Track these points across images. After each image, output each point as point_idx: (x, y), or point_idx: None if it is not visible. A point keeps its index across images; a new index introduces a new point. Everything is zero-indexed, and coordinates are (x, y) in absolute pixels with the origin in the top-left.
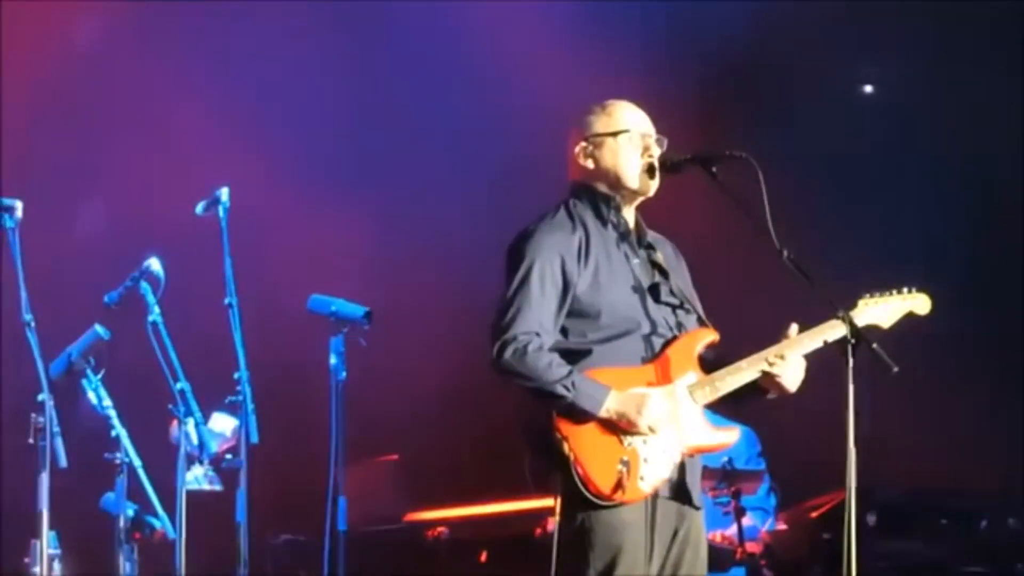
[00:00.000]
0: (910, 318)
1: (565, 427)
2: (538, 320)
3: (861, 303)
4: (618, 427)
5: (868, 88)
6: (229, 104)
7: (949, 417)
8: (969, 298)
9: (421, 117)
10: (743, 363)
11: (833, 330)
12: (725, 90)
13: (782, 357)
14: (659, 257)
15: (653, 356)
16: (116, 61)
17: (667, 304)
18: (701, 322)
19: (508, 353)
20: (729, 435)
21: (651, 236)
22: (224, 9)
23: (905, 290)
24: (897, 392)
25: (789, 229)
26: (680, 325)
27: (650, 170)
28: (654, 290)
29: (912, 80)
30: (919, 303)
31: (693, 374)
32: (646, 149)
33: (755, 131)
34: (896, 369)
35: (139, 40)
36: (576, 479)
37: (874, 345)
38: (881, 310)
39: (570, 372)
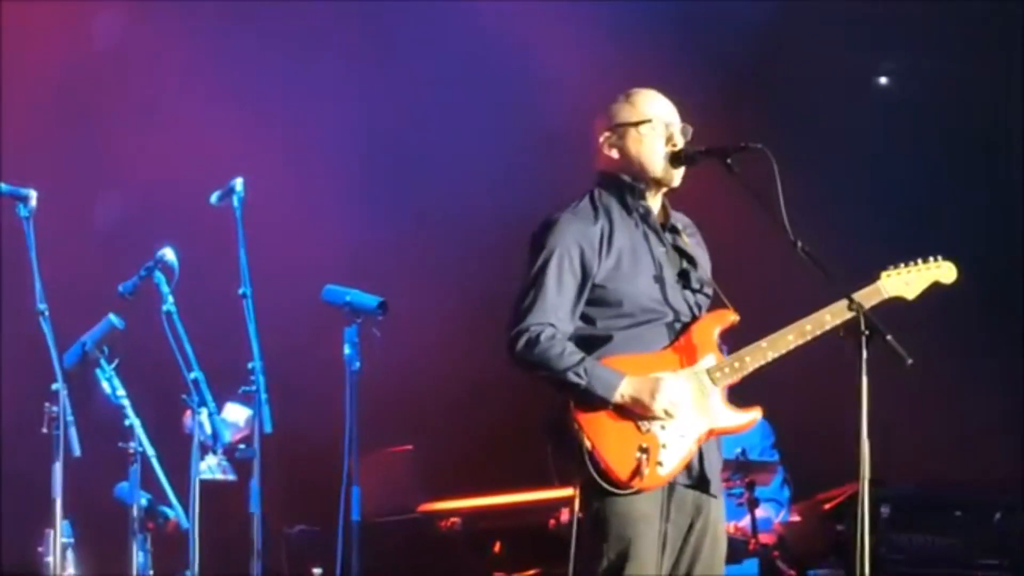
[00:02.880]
0: (937, 288)
1: (582, 416)
2: (552, 310)
3: (884, 275)
4: (634, 413)
5: (883, 80)
6: (244, 95)
7: (963, 409)
8: (985, 291)
9: (436, 110)
10: (763, 343)
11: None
12: (742, 83)
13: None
14: (684, 242)
15: (674, 341)
16: (132, 53)
17: (693, 290)
18: (722, 305)
19: (521, 344)
20: (751, 415)
21: (676, 218)
22: (240, 2)
23: (931, 259)
24: (911, 384)
25: (804, 221)
26: (701, 309)
27: (674, 159)
28: (684, 276)
29: (928, 73)
30: (944, 271)
31: (712, 356)
32: (670, 138)
33: (770, 123)
34: (911, 361)
35: (155, 33)
36: (594, 468)
37: (888, 337)
38: (905, 281)
39: (582, 359)
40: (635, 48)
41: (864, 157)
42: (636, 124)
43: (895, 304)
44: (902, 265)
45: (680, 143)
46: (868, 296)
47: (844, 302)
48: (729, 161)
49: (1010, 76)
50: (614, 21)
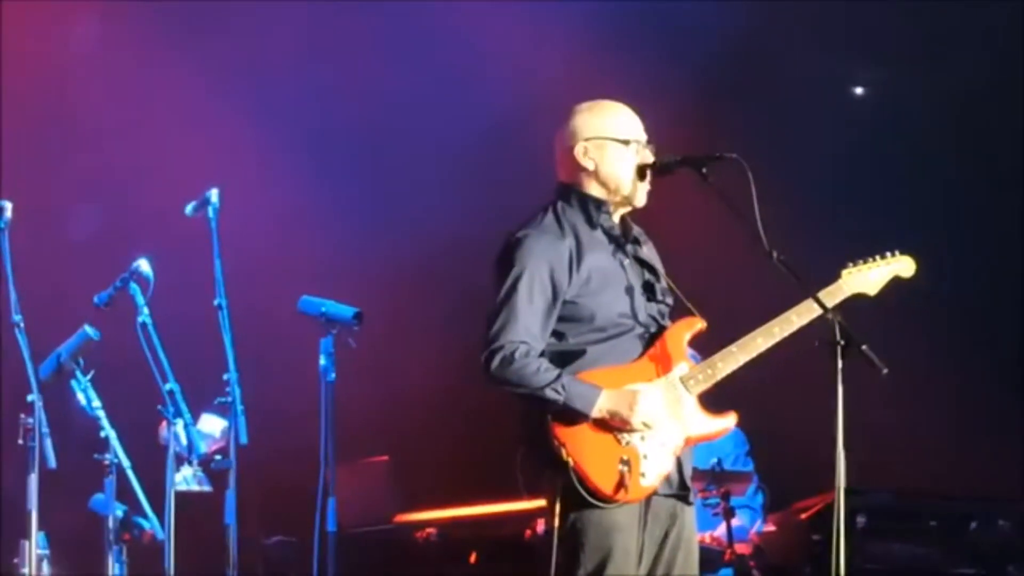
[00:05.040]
0: (898, 282)
1: (562, 432)
2: (525, 328)
3: (844, 273)
4: (613, 426)
5: (859, 90)
6: (219, 105)
7: (940, 419)
8: (961, 299)
9: (414, 118)
10: (733, 347)
11: (812, 311)
12: (717, 90)
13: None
14: (644, 252)
15: (645, 352)
16: (107, 63)
17: (658, 301)
18: (687, 312)
19: (496, 362)
20: (727, 421)
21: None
22: (215, 10)
23: (888, 254)
24: (887, 393)
25: (779, 229)
26: (666, 318)
27: (649, 169)
28: (648, 288)
29: (902, 81)
30: (903, 266)
31: (684, 365)
32: (641, 160)
33: (746, 132)
34: (886, 371)
35: (130, 44)
36: (578, 483)
37: (864, 347)
38: (865, 278)
39: (559, 375)
40: (611, 51)
41: (839, 163)
42: (618, 141)
43: (874, 312)
44: (861, 262)
45: (648, 160)
46: (831, 295)
47: (809, 302)
48: (704, 171)
49: (989, 80)
50: (591, 25)
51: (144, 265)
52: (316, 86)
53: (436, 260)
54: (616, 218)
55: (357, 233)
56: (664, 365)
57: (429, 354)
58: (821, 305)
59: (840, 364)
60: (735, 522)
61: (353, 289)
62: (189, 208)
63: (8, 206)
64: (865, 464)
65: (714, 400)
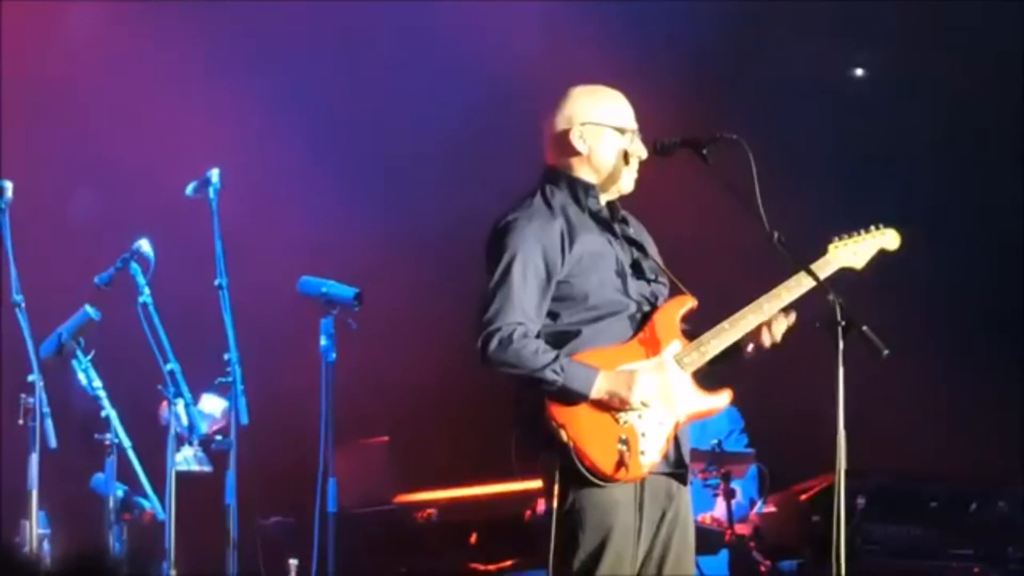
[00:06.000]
0: (884, 256)
1: (559, 414)
2: (522, 310)
3: (831, 247)
4: (611, 406)
5: (859, 71)
6: (220, 85)
7: (939, 400)
8: (961, 280)
9: (412, 101)
10: (725, 324)
11: (801, 285)
12: (714, 73)
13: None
14: (632, 232)
15: (638, 332)
16: (107, 43)
17: (647, 279)
18: (678, 291)
19: (494, 344)
20: (722, 398)
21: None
22: None
23: (873, 228)
24: (888, 375)
25: (779, 212)
26: (657, 297)
27: (626, 163)
28: (636, 267)
29: (902, 63)
30: (888, 239)
31: (677, 343)
32: (633, 150)
33: (744, 115)
34: (887, 352)
35: (130, 22)
36: (579, 464)
37: (864, 328)
38: (852, 251)
39: (557, 357)
40: (604, 34)
41: (839, 146)
42: (614, 128)
43: (873, 292)
44: (847, 236)
45: (643, 155)
46: (819, 268)
47: (799, 276)
48: (704, 152)
49: (984, 66)
50: (580, 8)
51: (145, 245)
52: (315, 66)
53: (437, 241)
54: (603, 203)
55: (358, 214)
56: (657, 344)
57: (430, 335)
58: (815, 279)
59: (841, 345)
60: (735, 500)
61: (354, 270)
62: (190, 188)
63: (9, 186)
64: (865, 446)
65: (715, 381)
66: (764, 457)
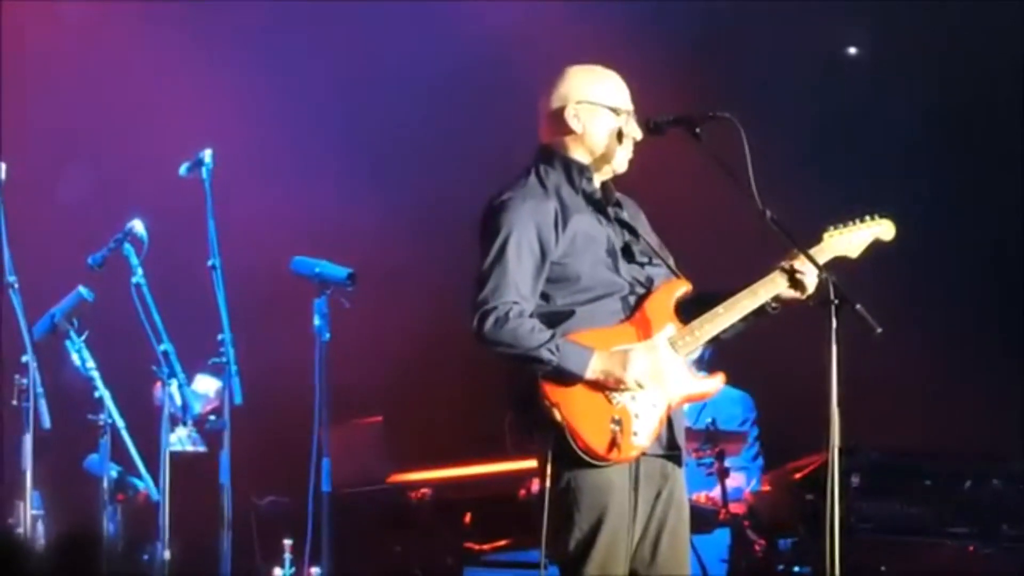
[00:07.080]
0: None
1: (553, 393)
2: (516, 289)
3: (826, 236)
4: (605, 386)
5: (852, 50)
6: (212, 66)
7: (933, 378)
8: (954, 259)
9: (405, 81)
10: (720, 308)
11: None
12: (707, 51)
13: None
14: (625, 215)
15: (631, 314)
16: (100, 24)
17: (639, 263)
18: (673, 274)
19: (489, 322)
20: (715, 381)
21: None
22: None
23: (868, 217)
24: (881, 353)
25: (772, 190)
26: (651, 281)
27: (620, 143)
28: (627, 250)
29: (896, 42)
30: (884, 229)
31: (671, 326)
32: (628, 130)
33: (736, 93)
34: (880, 330)
35: (123, 4)
36: (572, 444)
37: (858, 306)
38: (847, 240)
39: (552, 336)
40: (598, 12)
41: (830, 124)
42: (609, 108)
43: (869, 274)
44: (842, 224)
45: (638, 136)
46: (814, 256)
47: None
48: (697, 131)
49: (984, 42)
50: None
51: (138, 226)
52: (306, 44)
53: (430, 220)
54: (597, 183)
55: (350, 193)
56: (652, 326)
57: (423, 314)
58: (813, 262)
59: (835, 324)
60: (730, 483)
61: (347, 249)
62: (183, 168)
63: (3, 167)
64: (858, 422)
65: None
66: (767, 437)
